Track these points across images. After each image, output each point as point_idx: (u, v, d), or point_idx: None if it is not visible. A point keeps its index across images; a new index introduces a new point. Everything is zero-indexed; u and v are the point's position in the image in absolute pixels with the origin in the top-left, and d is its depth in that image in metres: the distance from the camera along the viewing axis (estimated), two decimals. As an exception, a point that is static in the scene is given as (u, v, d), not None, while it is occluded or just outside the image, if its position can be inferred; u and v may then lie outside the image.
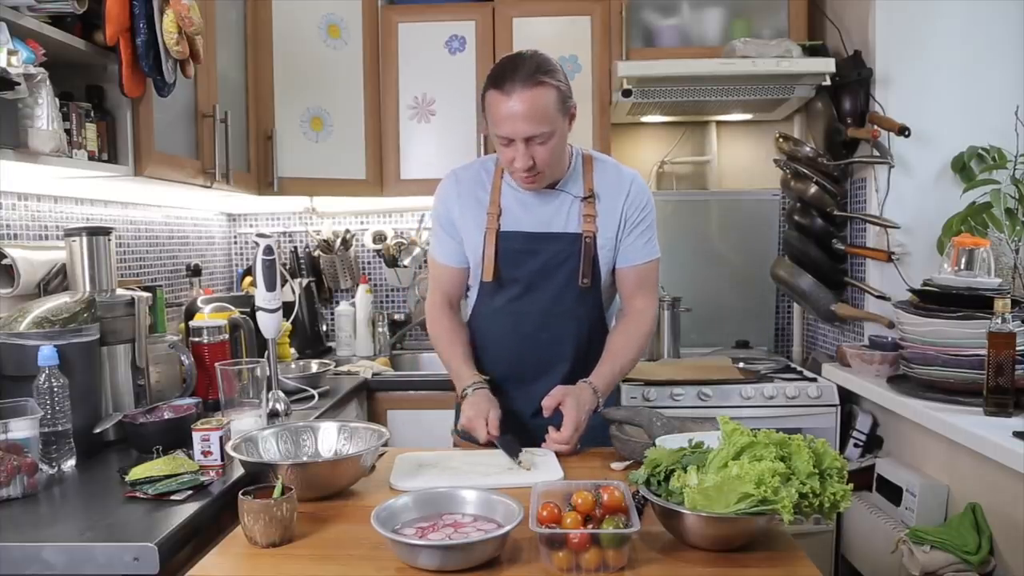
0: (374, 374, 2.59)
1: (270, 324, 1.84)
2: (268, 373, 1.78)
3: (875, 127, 2.36)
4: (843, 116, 2.52)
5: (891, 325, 2.32)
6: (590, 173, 1.72)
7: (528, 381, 1.75)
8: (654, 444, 1.35)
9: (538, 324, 1.73)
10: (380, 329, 3.01)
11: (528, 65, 1.55)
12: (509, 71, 1.55)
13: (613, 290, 1.80)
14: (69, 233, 1.71)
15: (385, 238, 3.18)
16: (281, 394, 1.88)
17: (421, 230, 3.15)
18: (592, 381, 1.65)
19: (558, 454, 1.57)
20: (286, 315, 2.17)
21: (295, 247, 3.20)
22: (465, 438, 1.70)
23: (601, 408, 1.65)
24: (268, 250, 1.81)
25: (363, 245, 3.24)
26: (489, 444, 1.59)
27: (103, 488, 1.39)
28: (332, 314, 3.16)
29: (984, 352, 1.77)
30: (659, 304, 2.76)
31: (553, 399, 1.61)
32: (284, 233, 3.23)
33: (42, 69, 1.47)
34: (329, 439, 1.49)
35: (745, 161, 3.15)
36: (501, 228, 1.70)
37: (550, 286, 1.71)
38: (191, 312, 2.15)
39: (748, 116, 3.05)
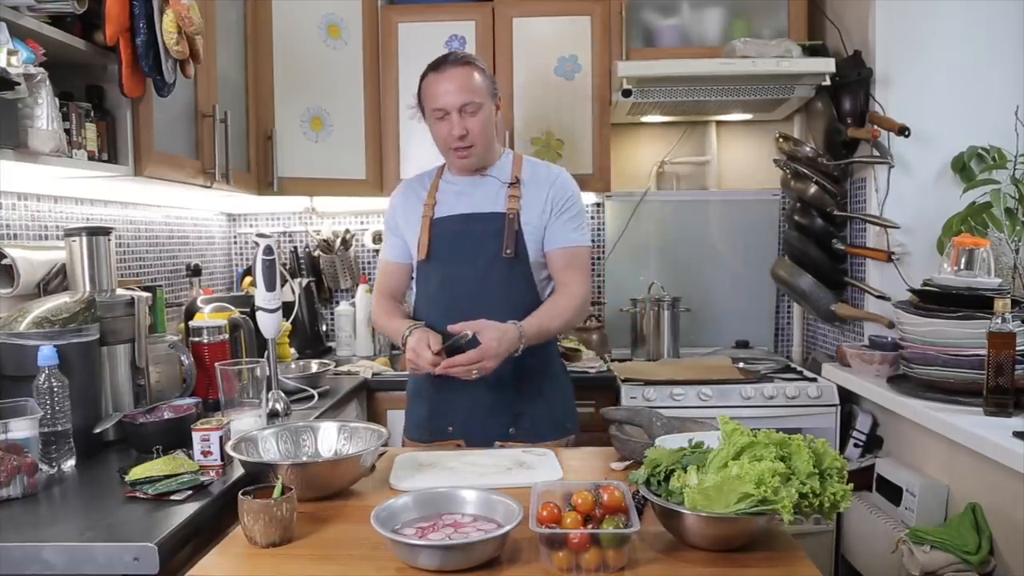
0: (374, 374, 2.59)
1: (270, 324, 1.84)
2: (268, 373, 1.78)
3: (875, 127, 2.36)
4: (843, 116, 2.52)
5: (891, 325, 2.32)
6: (519, 166, 1.89)
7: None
8: (654, 444, 1.35)
9: (471, 300, 1.78)
10: (380, 329, 3.01)
11: (457, 54, 1.84)
12: (442, 59, 1.82)
13: (546, 274, 1.86)
14: (69, 233, 1.71)
15: (385, 238, 3.18)
16: (281, 394, 1.88)
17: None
18: (521, 325, 1.70)
19: (556, 452, 1.57)
20: (286, 315, 2.17)
21: (295, 247, 3.20)
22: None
23: (520, 350, 1.68)
24: (268, 250, 1.81)
25: (363, 245, 3.24)
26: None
27: (103, 488, 1.38)
28: (332, 314, 3.15)
29: (984, 352, 1.77)
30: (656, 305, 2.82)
31: (474, 326, 1.64)
32: (284, 233, 3.23)
33: (42, 69, 1.47)
34: (329, 439, 1.49)
35: (745, 161, 3.15)
36: (435, 216, 1.86)
37: (479, 261, 1.81)
38: (191, 312, 2.15)
39: (748, 116, 3.05)
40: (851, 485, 1.12)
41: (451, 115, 1.77)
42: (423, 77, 1.83)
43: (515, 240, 1.80)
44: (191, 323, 2.02)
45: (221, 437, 1.44)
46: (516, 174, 1.86)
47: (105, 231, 1.74)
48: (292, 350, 2.64)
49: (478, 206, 1.84)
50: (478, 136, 1.79)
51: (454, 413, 1.83)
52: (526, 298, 1.81)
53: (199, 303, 2.18)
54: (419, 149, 2.84)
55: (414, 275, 1.93)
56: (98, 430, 1.58)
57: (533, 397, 1.84)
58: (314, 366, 2.40)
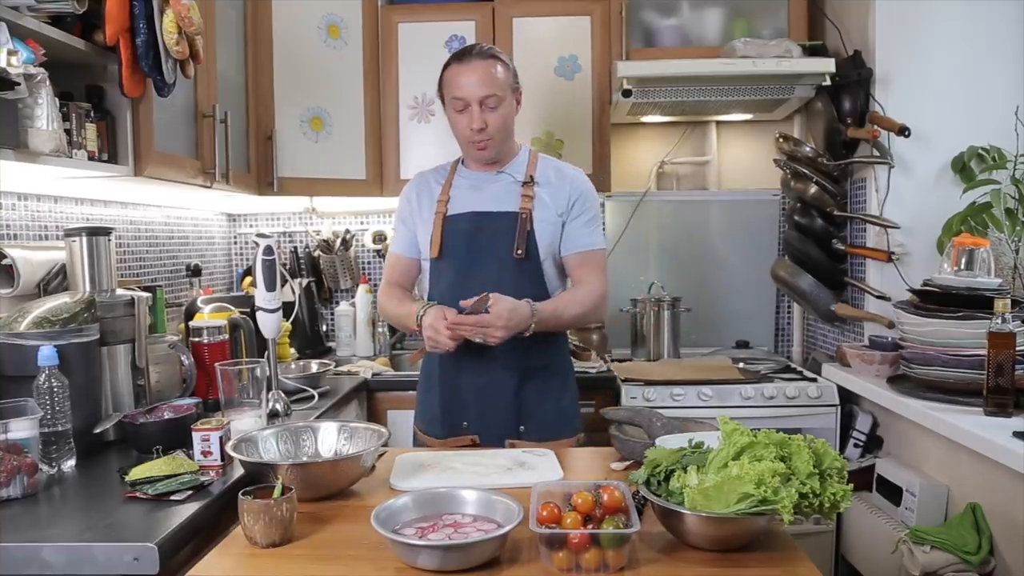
0: (374, 374, 2.59)
1: (270, 324, 1.84)
2: (268, 373, 1.78)
3: (875, 127, 2.36)
4: (843, 116, 2.52)
5: (891, 325, 2.32)
6: (534, 164, 1.89)
7: (480, 359, 1.80)
8: (654, 444, 1.35)
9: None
10: (380, 329, 3.01)
11: (482, 46, 1.86)
12: (467, 50, 1.84)
13: (558, 274, 1.88)
14: (69, 233, 1.71)
15: (385, 238, 3.18)
16: (281, 394, 1.88)
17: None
18: (535, 305, 1.72)
19: (557, 452, 1.57)
20: (286, 315, 2.16)
21: (295, 247, 3.20)
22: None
23: (532, 331, 1.70)
24: (268, 250, 1.81)
25: (363, 245, 3.24)
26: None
27: (103, 488, 1.38)
28: (332, 314, 3.15)
29: (984, 352, 1.77)
30: (666, 307, 2.82)
31: (490, 297, 1.66)
32: (284, 233, 3.23)
33: (42, 69, 1.46)
34: (329, 439, 1.49)
35: (745, 161, 3.15)
36: (448, 212, 1.86)
37: (491, 261, 1.81)
38: (191, 312, 2.15)
39: (748, 116, 3.05)
40: (851, 485, 1.12)
41: (472, 107, 1.78)
42: (446, 66, 1.84)
43: (526, 240, 1.80)
44: (191, 323, 2.02)
45: (221, 437, 1.45)
46: (531, 172, 1.86)
47: (105, 231, 1.74)
48: (292, 350, 2.63)
49: (491, 204, 1.84)
50: (497, 130, 1.80)
51: (468, 408, 1.84)
52: (537, 298, 1.80)
53: (199, 303, 2.18)
54: (419, 149, 2.84)
55: (424, 271, 1.93)
56: (98, 430, 1.58)
57: (541, 395, 1.84)
58: (314, 366, 2.40)
